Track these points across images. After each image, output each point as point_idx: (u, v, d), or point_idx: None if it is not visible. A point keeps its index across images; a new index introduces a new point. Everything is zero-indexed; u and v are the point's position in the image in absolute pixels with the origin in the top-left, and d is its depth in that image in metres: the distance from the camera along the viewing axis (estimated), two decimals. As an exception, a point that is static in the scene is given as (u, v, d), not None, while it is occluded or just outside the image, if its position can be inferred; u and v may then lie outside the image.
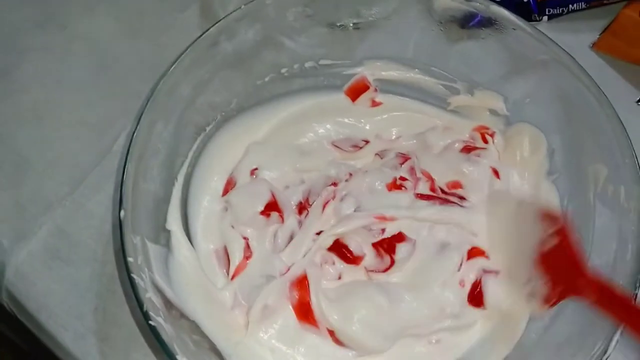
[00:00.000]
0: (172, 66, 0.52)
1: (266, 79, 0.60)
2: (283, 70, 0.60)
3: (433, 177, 0.57)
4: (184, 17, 0.71)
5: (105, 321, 0.55)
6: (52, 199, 0.60)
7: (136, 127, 0.49)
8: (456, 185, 0.57)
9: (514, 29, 0.55)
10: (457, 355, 0.51)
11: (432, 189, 0.56)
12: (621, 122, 0.50)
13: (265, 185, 0.55)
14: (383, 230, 0.54)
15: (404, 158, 0.57)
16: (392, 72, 0.61)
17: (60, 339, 0.55)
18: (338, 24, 0.60)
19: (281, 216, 0.54)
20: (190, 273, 0.51)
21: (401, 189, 0.55)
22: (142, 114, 0.49)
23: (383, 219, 0.53)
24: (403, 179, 0.56)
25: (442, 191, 0.56)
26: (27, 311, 0.56)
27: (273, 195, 0.54)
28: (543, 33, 0.54)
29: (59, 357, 0.56)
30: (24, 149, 0.63)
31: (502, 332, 0.51)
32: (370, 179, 0.55)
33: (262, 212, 0.54)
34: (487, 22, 0.57)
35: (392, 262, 0.53)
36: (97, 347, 0.54)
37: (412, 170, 0.56)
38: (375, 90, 0.61)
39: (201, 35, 0.53)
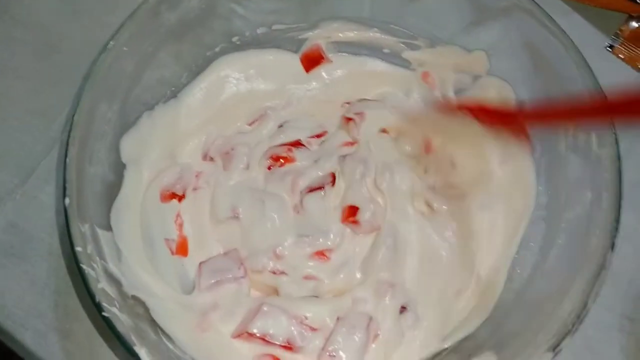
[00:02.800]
0: (109, 42, 0.48)
1: (217, 49, 0.57)
2: (234, 39, 0.57)
3: None
4: (131, -8, 0.67)
5: (67, 317, 0.53)
6: (1, 193, 0.57)
7: (76, 109, 0.46)
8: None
9: (473, -23, 0.52)
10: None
11: None
12: (590, 68, 0.48)
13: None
14: None
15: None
16: (350, 33, 0.58)
17: (21, 338, 0.52)
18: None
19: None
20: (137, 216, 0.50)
21: None
22: (81, 95, 0.46)
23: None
24: None
25: None
26: (-16, 312, 0.53)
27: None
28: (502, -21, 0.51)
29: (22, 358, 0.53)
30: (-32, 142, 0.59)
31: (481, 297, 0.50)
32: None
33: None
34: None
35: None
36: (60, 344, 0.52)
37: None
38: (331, 61, 0.59)
39: (139, 6, 0.50)
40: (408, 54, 0.58)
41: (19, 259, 0.55)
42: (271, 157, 0.55)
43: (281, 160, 0.55)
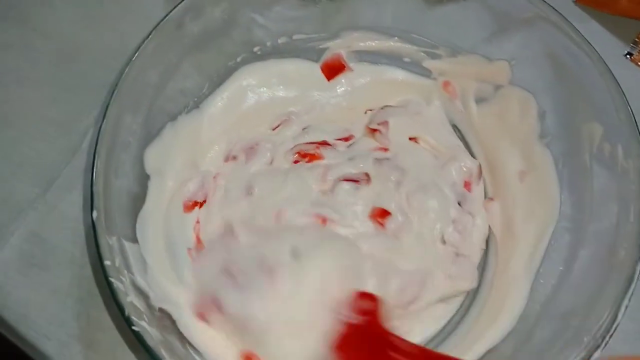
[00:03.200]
0: (135, 53, 0.48)
1: (238, 59, 0.57)
2: (255, 49, 0.57)
3: None
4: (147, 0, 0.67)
5: (89, 327, 0.53)
6: (22, 203, 0.57)
7: (102, 121, 0.46)
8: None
9: (495, -13, 0.52)
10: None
11: None
12: (614, 78, 0.48)
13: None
14: None
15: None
16: (371, 43, 0.58)
17: (44, 349, 0.52)
18: (314, 0, 0.57)
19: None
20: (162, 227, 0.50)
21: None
22: (107, 107, 0.46)
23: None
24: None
25: None
26: (7, 323, 0.53)
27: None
28: (525, -12, 0.51)
29: (45, 368, 0.53)
30: (-12, 152, 0.59)
31: (502, 305, 0.50)
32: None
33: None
34: (466, -18, 0.54)
35: None
36: (83, 354, 0.52)
37: None
38: (352, 70, 0.59)
39: (164, 18, 0.50)
40: (429, 63, 0.58)
41: (41, 269, 0.55)
42: (298, 153, 0.55)
43: (308, 156, 0.55)
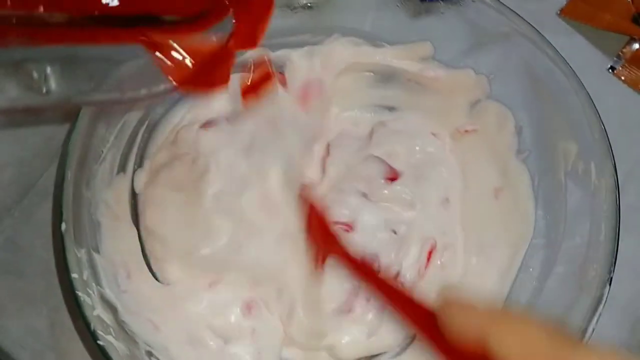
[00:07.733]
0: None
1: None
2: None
3: None
4: None
5: (64, 336, 0.52)
6: (-1, 209, 0.57)
7: (72, 131, 0.46)
8: None
9: (473, 1, 0.52)
10: None
11: None
12: (589, 96, 0.48)
13: None
14: None
15: None
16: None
17: (18, 357, 0.52)
18: (290, 8, 0.57)
19: None
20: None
21: None
22: (78, 116, 0.46)
23: None
24: None
25: None
26: (-19, 331, 0.53)
27: None
28: (503, 4, 0.51)
29: (19, 377, 0.53)
30: (-36, 156, 0.59)
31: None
32: None
33: None
34: (446, -5, 0.53)
35: None
36: (57, 363, 0.52)
37: None
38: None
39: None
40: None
41: (16, 277, 0.54)
42: None
43: None
